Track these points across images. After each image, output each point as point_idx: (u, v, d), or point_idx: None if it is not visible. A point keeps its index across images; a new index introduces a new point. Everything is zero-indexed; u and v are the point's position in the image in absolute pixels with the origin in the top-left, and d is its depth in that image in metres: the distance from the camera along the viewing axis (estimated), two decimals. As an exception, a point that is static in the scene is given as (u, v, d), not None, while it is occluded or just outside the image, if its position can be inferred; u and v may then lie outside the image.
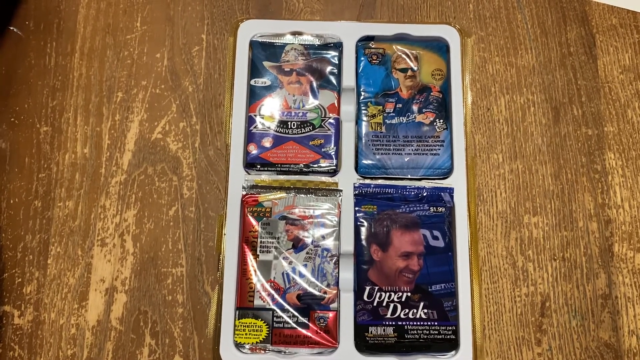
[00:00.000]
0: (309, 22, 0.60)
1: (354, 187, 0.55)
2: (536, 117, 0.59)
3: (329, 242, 0.54)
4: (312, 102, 0.57)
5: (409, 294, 0.53)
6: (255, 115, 0.57)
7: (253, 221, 0.54)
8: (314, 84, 0.57)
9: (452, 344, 0.52)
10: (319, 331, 0.52)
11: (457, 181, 0.56)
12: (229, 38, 0.59)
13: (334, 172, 0.56)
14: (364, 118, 0.57)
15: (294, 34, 0.59)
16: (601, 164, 0.58)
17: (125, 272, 0.56)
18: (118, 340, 0.54)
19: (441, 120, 0.57)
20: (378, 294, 0.53)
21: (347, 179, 0.55)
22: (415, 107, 0.57)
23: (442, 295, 0.53)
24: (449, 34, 0.59)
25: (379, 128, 0.56)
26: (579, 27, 0.61)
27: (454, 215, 0.55)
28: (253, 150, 0.56)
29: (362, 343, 0.52)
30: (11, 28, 0.61)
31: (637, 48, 0.61)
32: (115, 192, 0.57)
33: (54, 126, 0.59)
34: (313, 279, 0.53)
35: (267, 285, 0.53)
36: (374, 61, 0.58)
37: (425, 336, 0.52)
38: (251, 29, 0.59)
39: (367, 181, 0.56)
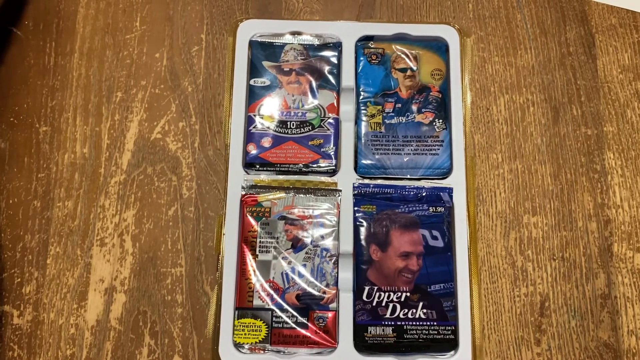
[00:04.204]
0: (308, 22, 0.60)
1: (353, 187, 0.55)
2: (535, 117, 0.59)
3: (328, 242, 0.54)
4: (311, 102, 0.57)
5: (408, 294, 0.53)
6: (254, 115, 0.57)
7: (252, 221, 0.54)
8: (314, 84, 0.57)
9: (452, 344, 0.52)
10: (318, 331, 0.52)
11: (457, 181, 0.55)
12: (228, 38, 0.59)
13: (333, 172, 0.56)
14: (363, 118, 0.57)
15: (293, 33, 0.59)
16: (600, 163, 0.58)
17: (124, 272, 0.56)
18: (117, 340, 0.54)
19: (440, 120, 0.57)
20: (377, 294, 0.53)
21: (347, 179, 0.55)
22: (414, 107, 0.57)
23: (441, 295, 0.53)
24: (449, 33, 0.58)
25: (378, 128, 0.56)
26: (579, 27, 0.61)
27: (453, 215, 0.55)
28: (252, 150, 0.56)
29: (361, 343, 0.52)
30: (10, 28, 0.61)
31: (637, 48, 0.61)
32: (114, 192, 0.57)
33: (53, 126, 0.59)
34: (312, 279, 0.53)
35: (266, 285, 0.53)
36: (373, 61, 0.58)
37: (425, 336, 0.52)
38: (250, 29, 0.59)
39: (367, 181, 0.56)
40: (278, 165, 0.55)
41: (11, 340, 0.54)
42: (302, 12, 0.62)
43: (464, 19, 0.62)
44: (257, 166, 0.55)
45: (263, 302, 0.52)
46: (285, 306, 0.52)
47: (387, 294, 0.53)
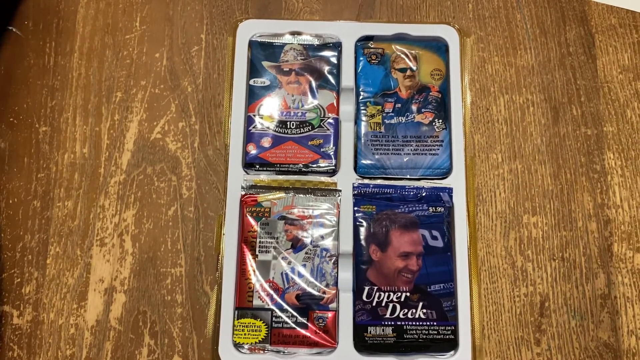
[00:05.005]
0: (308, 22, 0.60)
1: (353, 187, 0.55)
2: (535, 117, 0.59)
3: (328, 242, 0.54)
4: (311, 102, 0.57)
5: (408, 294, 0.53)
6: (254, 115, 0.57)
7: (252, 221, 0.54)
8: (313, 84, 0.57)
9: (451, 344, 0.52)
10: (318, 331, 0.52)
11: (456, 181, 0.55)
12: (228, 38, 0.59)
13: (333, 172, 0.56)
14: (363, 118, 0.57)
15: (293, 33, 0.59)
16: (600, 164, 0.58)
17: (124, 272, 0.56)
18: (117, 340, 0.54)
19: (440, 120, 0.57)
20: (377, 294, 0.53)
21: (346, 179, 0.55)
22: (414, 107, 0.57)
23: (441, 295, 0.53)
24: (448, 33, 0.58)
25: (378, 128, 0.56)
26: (578, 27, 0.61)
27: (453, 215, 0.55)
28: (252, 150, 0.56)
29: (361, 343, 0.52)
30: (10, 28, 0.61)
31: (636, 48, 0.61)
32: (114, 192, 0.57)
33: (53, 126, 0.59)
34: (312, 279, 0.53)
35: (266, 285, 0.53)
36: (373, 61, 0.58)
37: (424, 336, 0.52)
38: (250, 29, 0.59)
39: (366, 181, 0.56)
40: (278, 165, 0.55)
41: (11, 341, 0.54)
42: (301, 12, 0.62)
43: (464, 19, 0.62)
44: (257, 166, 0.55)
45: (263, 302, 0.52)
46: (285, 306, 0.52)
47: (386, 294, 0.53)
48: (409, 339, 0.52)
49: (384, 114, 0.57)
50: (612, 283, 0.56)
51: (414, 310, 0.52)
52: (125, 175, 0.58)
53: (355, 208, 0.55)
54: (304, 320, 0.52)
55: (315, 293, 0.53)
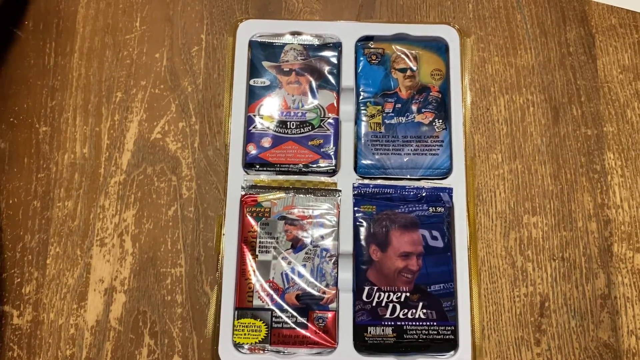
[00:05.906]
0: (308, 22, 0.60)
1: (353, 187, 0.55)
2: (535, 117, 0.59)
3: (328, 242, 0.54)
4: (311, 102, 0.57)
5: (408, 294, 0.53)
6: (254, 115, 0.57)
7: (252, 221, 0.54)
8: (313, 84, 0.57)
9: (451, 344, 0.52)
10: (318, 331, 0.52)
11: (456, 181, 0.55)
12: (228, 38, 0.59)
13: (333, 172, 0.56)
14: (363, 118, 0.57)
15: (293, 34, 0.59)
16: (600, 164, 0.58)
17: (124, 272, 0.56)
18: (117, 340, 0.54)
19: (440, 121, 0.57)
20: (377, 294, 0.53)
21: (346, 179, 0.55)
22: (414, 107, 0.57)
23: (441, 296, 0.53)
24: (448, 34, 0.58)
25: (378, 128, 0.56)
26: (579, 27, 0.61)
27: (453, 215, 0.55)
28: (252, 150, 0.56)
29: (361, 343, 0.52)
30: (10, 28, 0.61)
31: (637, 48, 0.61)
32: (114, 192, 0.57)
33: (53, 126, 0.59)
34: (312, 279, 0.53)
35: (266, 286, 0.53)
36: (373, 61, 0.58)
37: (424, 336, 0.52)
38: (250, 29, 0.59)
39: (366, 181, 0.56)
40: (278, 165, 0.55)
41: (11, 341, 0.54)
42: (302, 12, 0.62)
43: (464, 19, 0.62)
44: (257, 166, 0.55)
45: (263, 302, 0.52)
46: (285, 306, 0.52)
47: (386, 294, 0.53)
48: (408, 339, 0.52)
49: (384, 114, 0.57)
50: (612, 283, 0.56)
51: (414, 311, 0.52)
52: (125, 176, 0.58)
53: (355, 208, 0.55)
54: (303, 321, 0.52)
55: (315, 293, 0.53)
